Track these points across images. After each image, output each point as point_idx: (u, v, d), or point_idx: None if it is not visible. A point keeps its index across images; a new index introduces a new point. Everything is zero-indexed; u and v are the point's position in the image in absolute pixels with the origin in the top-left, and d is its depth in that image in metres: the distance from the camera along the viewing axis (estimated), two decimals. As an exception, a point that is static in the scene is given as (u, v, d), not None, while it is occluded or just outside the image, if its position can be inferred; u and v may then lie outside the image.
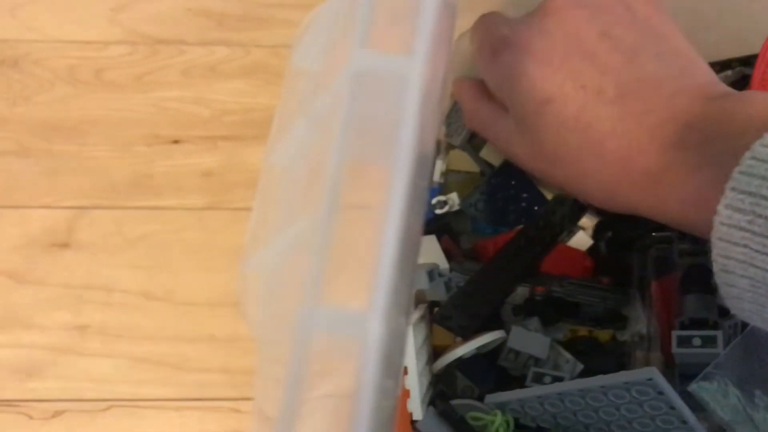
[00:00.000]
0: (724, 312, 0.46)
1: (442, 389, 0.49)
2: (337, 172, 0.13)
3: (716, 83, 0.37)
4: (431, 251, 0.54)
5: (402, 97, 0.12)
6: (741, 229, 0.29)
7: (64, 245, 0.67)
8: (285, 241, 0.15)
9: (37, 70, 0.72)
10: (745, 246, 0.29)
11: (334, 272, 0.13)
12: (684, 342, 0.42)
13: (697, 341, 0.42)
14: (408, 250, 0.14)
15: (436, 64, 0.14)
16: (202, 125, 0.71)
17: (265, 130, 0.72)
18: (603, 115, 0.35)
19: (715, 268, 0.32)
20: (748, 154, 0.29)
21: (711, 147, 0.32)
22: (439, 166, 0.60)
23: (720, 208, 0.30)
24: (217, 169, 0.70)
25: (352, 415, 0.12)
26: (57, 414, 0.61)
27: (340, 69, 0.13)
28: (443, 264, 0.50)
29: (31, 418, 0.62)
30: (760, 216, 0.28)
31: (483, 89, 0.43)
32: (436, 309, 0.50)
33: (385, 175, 0.13)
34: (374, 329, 0.11)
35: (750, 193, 0.29)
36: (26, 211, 0.68)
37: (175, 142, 0.71)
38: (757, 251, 0.29)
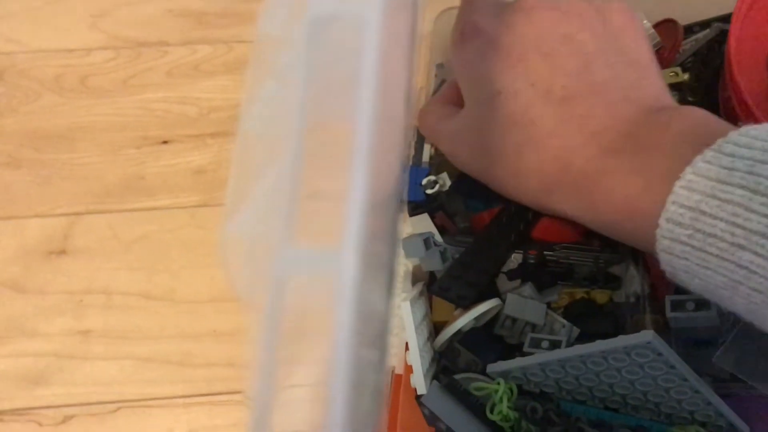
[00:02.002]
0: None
1: (445, 364, 0.49)
2: (301, 123, 0.13)
3: (663, 97, 0.38)
4: (425, 228, 0.54)
5: (361, 40, 0.13)
6: (682, 243, 0.30)
7: (62, 252, 0.67)
8: (259, 198, 0.16)
9: (22, 81, 0.73)
10: (686, 260, 0.30)
11: (305, 222, 0.13)
12: (678, 306, 0.43)
13: (690, 305, 0.43)
14: (380, 191, 0.14)
15: (398, 4, 0.14)
16: (190, 124, 0.72)
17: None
18: (547, 114, 0.36)
19: (666, 274, 0.33)
20: (688, 169, 0.30)
21: (645, 156, 0.33)
22: (428, 147, 0.61)
23: (661, 221, 0.30)
24: (207, 166, 0.70)
25: (331, 365, 0.12)
26: (66, 419, 0.62)
27: (299, 19, 0.14)
28: (438, 236, 0.50)
29: (41, 425, 0.62)
30: (699, 231, 0.29)
31: (455, 93, 0.44)
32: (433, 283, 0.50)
33: (348, 124, 0.13)
34: (348, 263, 0.12)
35: (690, 208, 0.29)
36: (21, 221, 0.68)
37: (165, 142, 0.71)
38: (698, 265, 0.30)
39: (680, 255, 0.30)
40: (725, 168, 0.29)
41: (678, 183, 0.30)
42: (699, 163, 0.30)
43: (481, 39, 0.39)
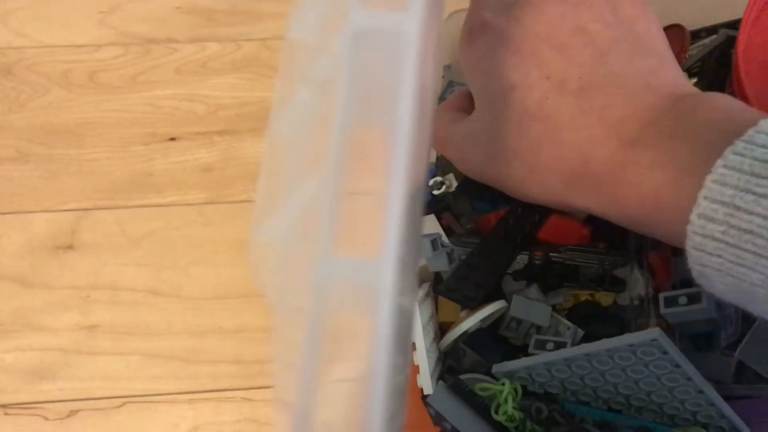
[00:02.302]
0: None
1: (450, 365, 0.50)
2: (343, 134, 0.14)
3: (683, 83, 0.36)
4: (432, 229, 0.54)
5: (400, 53, 0.13)
6: (715, 239, 0.29)
7: (69, 247, 0.67)
8: (294, 205, 0.16)
9: (30, 76, 0.73)
10: (720, 257, 0.29)
11: (345, 228, 0.14)
12: (670, 302, 0.43)
13: (683, 300, 0.43)
14: (414, 205, 0.15)
15: (431, 18, 0.14)
16: (198, 121, 0.72)
17: (260, 122, 0.73)
18: (564, 106, 0.35)
19: (693, 273, 0.32)
20: (719, 162, 0.28)
21: (670, 147, 0.31)
22: (435, 147, 0.61)
23: (692, 217, 0.29)
24: (215, 163, 0.70)
25: (370, 362, 0.13)
26: (72, 414, 0.62)
27: (338, 31, 0.14)
28: (445, 237, 0.51)
29: (46, 419, 0.62)
30: (733, 227, 0.28)
31: (464, 100, 0.43)
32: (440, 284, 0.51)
33: (388, 133, 0.14)
34: (388, 275, 0.12)
35: (723, 203, 0.28)
36: (29, 216, 0.68)
37: (172, 139, 0.71)
38: (732, 262, 0.29)
39: (713, 252, 0.29)
40: (759, 160, 0.27)
41: (709, 177, 0.28)
42: (730, 155, 0.28)
43: (490, 34, 0.38)
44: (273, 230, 0.17)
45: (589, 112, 0.34)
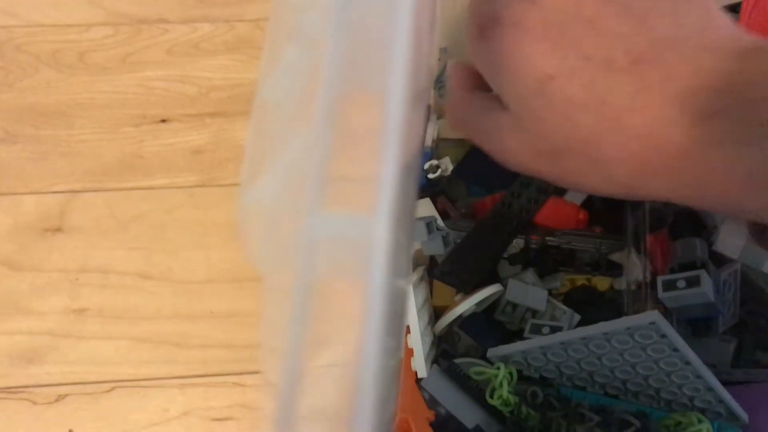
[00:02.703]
0: (721, 260, 0.46)
1: (445, 349, 0.49)
2: (332, 90, 0.13)
3: (742, 35, 0.31)
4: (427, 213, 0.54)
5: (393, 7, 0.12)
6: None
7: (57, 230, 0.66)
8: (282, 166, 0.15)
9: (19, 56, 0.72)
10: None
11: (336, 184, 0.13)
12: (669, 286, 0.42)
13: (681, 283, 0.42)
14: (408, 162, 0.14)
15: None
16: (189, 103, 0.71)
17: (252, 104, 0.72)
18: (617, 87, 0.30)
19: None
20: None
21: (754, 114, 0.27)
22: (431, 131, 0.61)
23: None
24: (206, 146, 0.69)
25: (363, 321, 0.12)
26: (60, 398, 0.61)
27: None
28: (440, 221, 0.50)
29: (34, 403, 0.61)
30: None
31: (475, 76, 0.37)
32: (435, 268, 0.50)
33: (381, 92, 0.13)
34: (381, 231, 0.11)
35: None
36: (17, 197, 0.67)
37: (163, 121, 0.70)
38: None
39: None
40: None
41: None
42: None
43: (505, 26, 0.33)
44: (260, 193, 0.16)
45: (650, 89, 0.29)
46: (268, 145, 0.17)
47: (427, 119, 0.59)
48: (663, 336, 0.39)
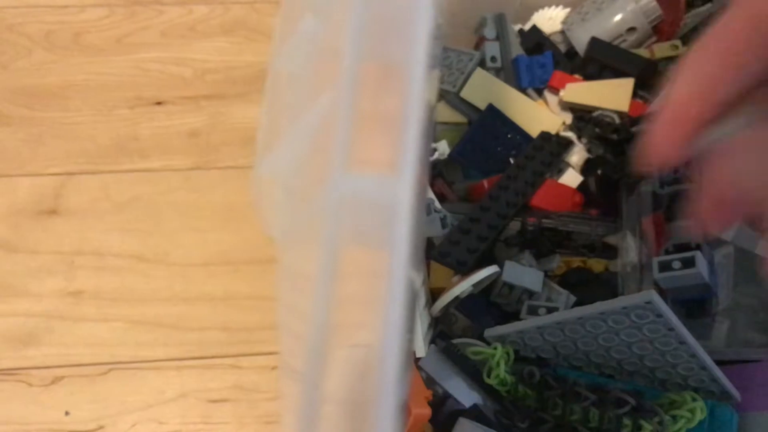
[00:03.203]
0: (715, 242, 0.47)
1: (442, 329, 0.49)
2: (356, 49, 0.13)
3: None
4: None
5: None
6: None
7: (53, 212, 0.66)
8: (299, 134, 0.15)
9: (12, 37, 0.71)
10: None
11: (359, 148, 0.13)
12: (665, 267, 0.43)
13: (676, 264, 0.43)
14: (427, 125, 0.14)
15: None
16: (185, 85, 0.71)
17: (248, 87, 0.72)
18: None
19: None
20: None
21: None
22: (426, 114, 0.61)
23: None
24: (202, 128, 0.69)
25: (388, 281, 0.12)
26: (56, 380, 0.61)
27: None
28: (437, 203, 0.50)
29: (30, 385, 0.61)
30: None
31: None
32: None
33: (405, 53, 0.13)
34: (405, 192, 0.12)
35: None
36: (12, 179, 0.67)
37: (159, 103, 0.70)
38: None
39: None
40: None
41: None
42: None
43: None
44: (276, 163, 0.16)
45: None
46: (284, 116, 0.17)
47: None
48: (659, 315, 0.39)
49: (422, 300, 0.49)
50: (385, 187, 0.12)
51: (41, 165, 0.68)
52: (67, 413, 0.60)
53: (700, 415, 0.40)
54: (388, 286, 0.12)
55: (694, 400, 0.41)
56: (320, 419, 0.13)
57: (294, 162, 0.16)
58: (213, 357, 0.62)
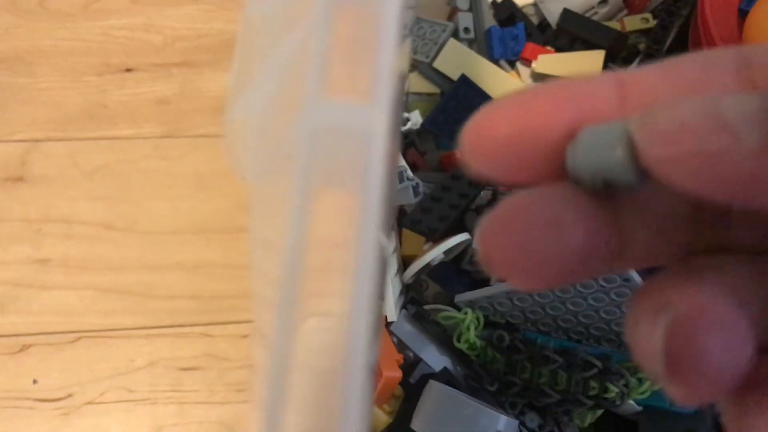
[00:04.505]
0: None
1: (413, 296, 0.50)
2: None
3: None
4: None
5: None
6: None
7: (19, 179, 0.65)
8: (271, 71, 0.15)
9: (-25, 0, 0.69)
10: None
11: (333, 75, 0.13)
12: None
13: None
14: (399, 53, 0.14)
15: None
16: (155, 52, 0.70)
17: (219, 55, 0.71)
18: None
19: None
20: None
21: None
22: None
23: None
24: (172, 96, 0.68)
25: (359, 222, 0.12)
26: (24, 348, 0.61)
27: None
28: (410, 172, 0.51)
29: (-3, 354, 0.61)
30: None
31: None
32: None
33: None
34: (380, 119, 0.12)
35: None
36: (-24, 145, 0.66)
37: (128, 70, 0.69)
38: None
39: None
40: None
41: None
42: None
43: None
44: (247, 104, 0.16)
45: None
46: (256, 58, 0.17)
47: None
48: (626, 280, 0.40)
49: (394, 267, 0.49)
50: (360, 115, 0.12)
51: (7, 131, 0.66)
52: (35, 381, 0.60)
53: (663, 378, 0.41)
54: (359, 238, 0.13)
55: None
56: (289, 387, 0.13)
57: (265, 100, 0.15)
58: (183, 325, 0.62)
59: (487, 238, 0.14)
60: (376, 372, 0.42)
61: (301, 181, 0.12)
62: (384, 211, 0.14)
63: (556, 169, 0.14)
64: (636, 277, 0.39)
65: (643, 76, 0.14)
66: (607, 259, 0.14)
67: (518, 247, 0.13)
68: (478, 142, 0.15)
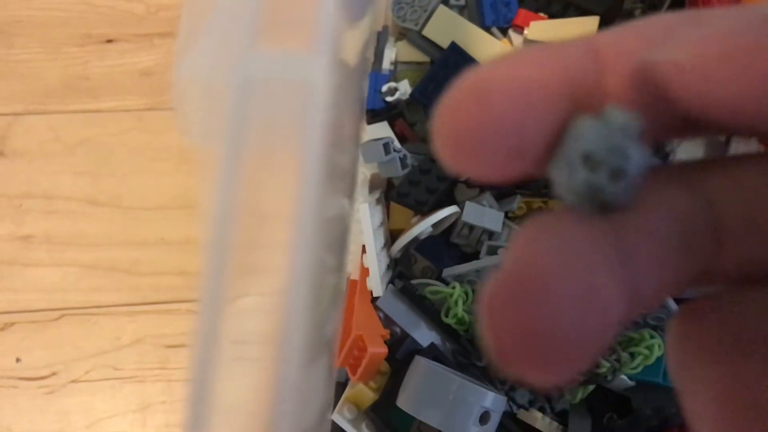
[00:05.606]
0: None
1: (401, 271, 0.49)
2: None
3: None
4: (384, 135, 0.53)
5: None
6: None
7: (-1, 154, 0.64)
8: (212, 30, 0.14)
9: (-49, -31, 0.67)
10: None
11: (270, 21, 0.12)
12: None
13: None
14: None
15: None
16: (137, 22, 0.68)
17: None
18: None
19: None
20: None
21: None
22: (389, 53, 0.59)
23: None
24: (155, 67, 0.66)
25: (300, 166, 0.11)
26: (6, 326, 0.60)
27: None
28: (398, 143, 0.49)
29: (-21, 332, 0.60)
30: None
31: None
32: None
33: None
34: (320, 71, 0.10)
35: None
36: (-46, 119, 0.64)
37: (109, 41, 0.67)
38: None
39: None
40: None
41: None
42: None
43: None
44: (195, 61, 0.15)
45: None
46: (203, 13, 0.16)
47: (385, 40, 0.57)
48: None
49: (381, 241, 0.48)
50: (298, 64, 0.10)
51: (-15, 104, 0.65)
52: (18, 360, 0.59)
53: (657, 352, 0.40)
54: (297, 206, 0.11)
55: (652, 337, 0.40)
56: (217, 362, 0.12)
57: (211, 56, 0.14)
58: (169, 302, 0.61)
59: (498, 319, 0.10)
60: (337, 347, 0.40)
61: (230, 141, 0.11)
62: (330, 173, 0.12)
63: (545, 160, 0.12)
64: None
65: (616, 38, 0.13)
66: (627, 314, 0.11)
67: (547, 331, 0.10)
68: (459, 128, 0.11)
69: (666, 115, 0.12)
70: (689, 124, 0.12)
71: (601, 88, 0.12)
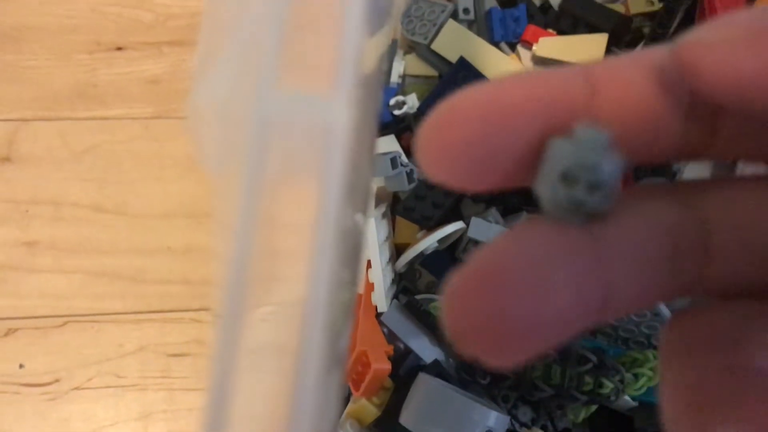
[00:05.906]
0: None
1: (405, 285, 0.49)
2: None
3: None
4: (391, 149, 0.53)
5: None
6: None
7: (6, 159, 0.64)
8: (231, 55, 0.14)
9: (-38, -26, 0.68)
10: None
11: (292, 62, 0.12)
12: None
13: None
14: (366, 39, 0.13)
15: None
16: (146, 31, 0.68)
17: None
18: None
19: None
20: None
21: None
22: (397, 67, 0.59)
23: None
24: (163, 76, 0.67)
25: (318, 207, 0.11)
26: (10, 332, 0.60)
27: None
28: (404, 157, 0.49)
29: (-17, 337, 0.60)
30: None
31: None
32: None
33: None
34: (341, 113, 0.10)
35: None
36: (-38, 124, 0.64)
37: (119, 48, 0.67)
38: None
39: None
40: None
41: None
42: None
43: None
44: (213, 86, 0.15)
45: None
46: (222, 35, 0.16)
47: (393, 53, 0.57)
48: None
49: (387, 255, 0.48)
50: (319, 107, 0.10)
51: (-6, 110, 0.65)
52: (21, 366, 0.59)
53: (660, 374, 0.40)
54: (317, 225, 0.11)
55: (656, 358, 0.40)
56: (236, 370, 0.12)
57: (228, 83, 0.14)
58: (173, 311, 0.61)
59: (456, 303, 0.11)
60: (347, 361, 0.40)
61: (251, 172, 0.11)
62: (349, 194, 0.12)
63: (521, 174, 0.13)
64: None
65: (612, 65, 0.13)
66: (591, 315, 0.12)
67: (499, 317, 0.11)
68: (437, 144, 0.13)
69: (690, 111, 0.13)
70: (712, 118, 0.13)
71: (591, 109, 0.13)
